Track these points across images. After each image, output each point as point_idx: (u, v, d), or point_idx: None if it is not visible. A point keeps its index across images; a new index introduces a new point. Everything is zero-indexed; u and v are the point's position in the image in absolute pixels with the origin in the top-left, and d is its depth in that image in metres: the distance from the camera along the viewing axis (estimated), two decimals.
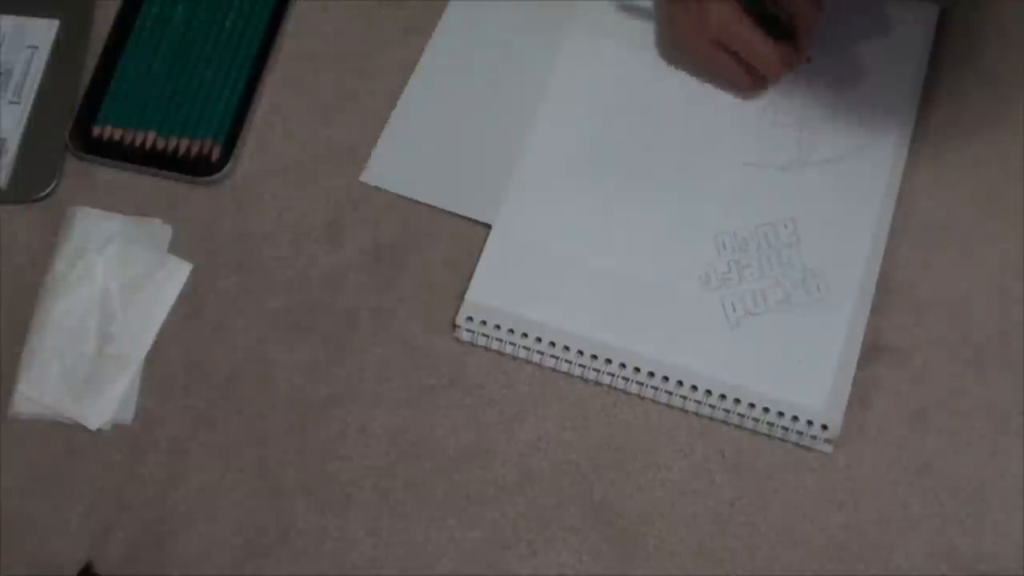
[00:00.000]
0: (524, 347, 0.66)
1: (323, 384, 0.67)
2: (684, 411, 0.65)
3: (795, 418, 0.64)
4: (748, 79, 0.70)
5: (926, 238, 0.68)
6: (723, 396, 0.65)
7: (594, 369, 0.66)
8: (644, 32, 0.73)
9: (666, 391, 0.65)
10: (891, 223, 0.68)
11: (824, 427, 0.64)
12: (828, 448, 0.64)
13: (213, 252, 0.71)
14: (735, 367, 0.65)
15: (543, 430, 0.66)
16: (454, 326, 0.68)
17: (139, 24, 0.76)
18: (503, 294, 0.67)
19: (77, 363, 0.68)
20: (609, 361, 0.66)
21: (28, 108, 0.74)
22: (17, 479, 0.66)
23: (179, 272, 0.70)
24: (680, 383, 0.65)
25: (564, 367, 0.66)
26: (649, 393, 0.65)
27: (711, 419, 0.65)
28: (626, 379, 0.65)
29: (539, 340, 0.66)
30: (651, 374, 0.65)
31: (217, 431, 0.67)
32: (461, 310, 0.68)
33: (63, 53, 0.75)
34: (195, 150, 0.73)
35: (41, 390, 0.67)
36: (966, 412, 0.65)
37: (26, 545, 0.65)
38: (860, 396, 0.65)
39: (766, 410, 0.64)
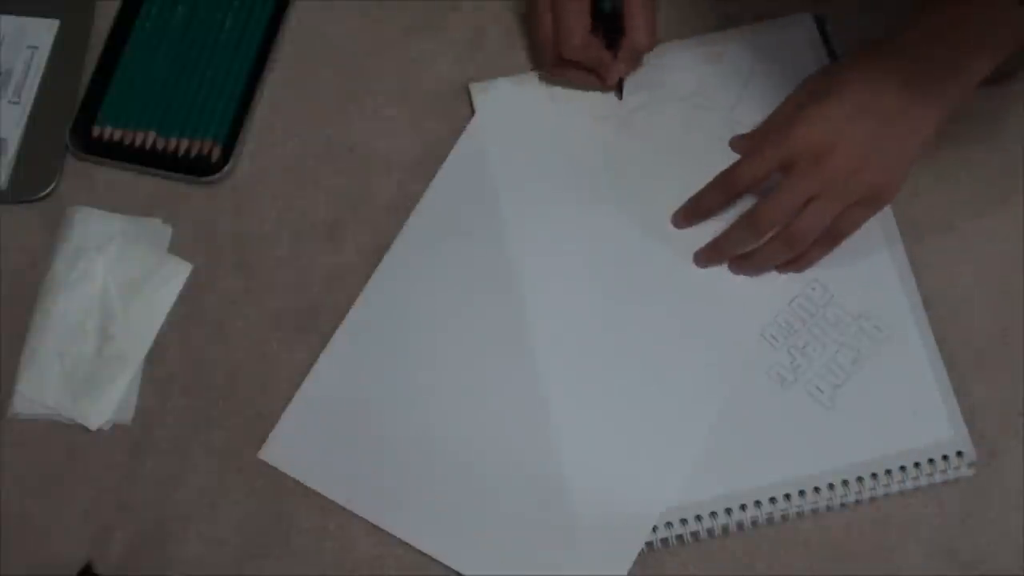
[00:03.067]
0: None
1: None
2: (829, 510, 0.63)
3: (931, 461, 0.63)
4: (549, 53, 0.69)
5: (926, 238, 0.68)
6: (860, 479, 0.62)
7: (723, 524, 0.62)
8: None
9: (809, 504, 0.62)
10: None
11: (960, 454, 0.63)
12: (971, 472, 0.63)
13: (213, 252, 0.71)
14: (853, 444, 0.63)
15: None
16: None
17: (139, 24, 0.76)
18: None
19: (77, 363, 0.67)
20: (744, 507, 0.62)
21: (28, 108, 0.74)
22: (17, 479, 0.66)
23: (179, 272, 0.70)
24: (817, 490, 0.62)
25: (675, 539, 0.62)
26: (793, 511, 0.62)
27: (857, 503, 0.63)
28: (754, 517, 0.62)
29: None
30: (787, 496, 0.62)
31: (217, 431, 0.67)
32: None
33: (63, 53, 0.75)
34: (195, 150, 0.73)
35: (41, 390, 0.67)
36: (966, 412, 0.65)
37: (26, 545, 0.65)
38: None
39: (903, 468, 0.62)
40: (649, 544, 0.62)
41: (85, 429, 0.66)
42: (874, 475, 0.63)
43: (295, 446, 0.65)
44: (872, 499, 0.63)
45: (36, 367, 0.67)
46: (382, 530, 0.64)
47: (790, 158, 0.63)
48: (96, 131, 0.73)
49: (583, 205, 0.69)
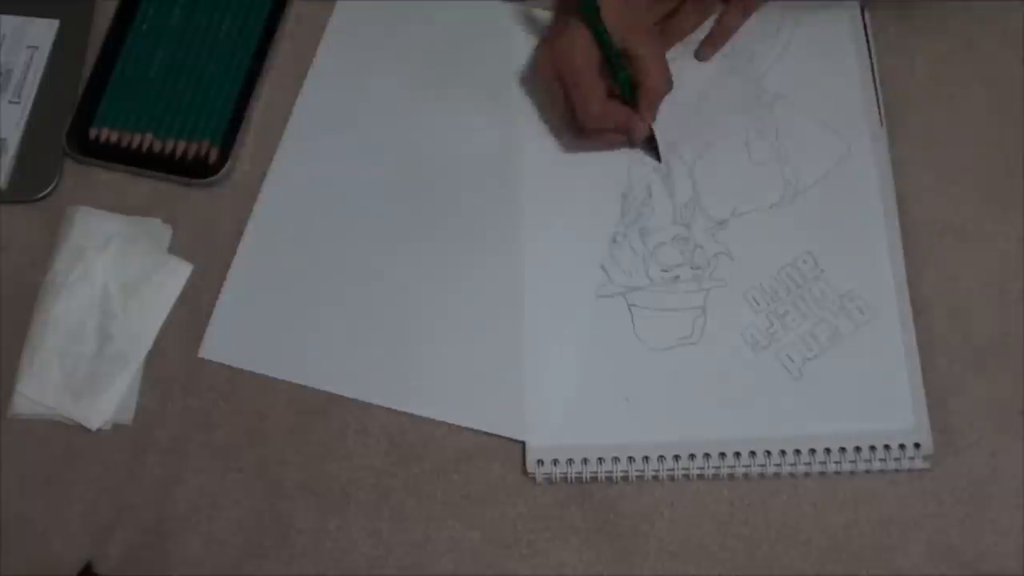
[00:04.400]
0: None
1: None
2: (777, 476, 0.63)
3: (887, 447, 0.63)
4: (573, 125, 0.69)
5: (926, 238, 0.68)
6: (812, 451, 0.63)
7: (669, 470, 0.64)
8: None
9: (757, 465, 0.63)
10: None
11: (917, 445, 0.63)
12: (926, 464, 0.63)
13: (213, 252, 0.71)
14: (813, 417, 0.64)
15: None
16: None
17: (135, 26, 0.76)
18: None
19: (77, 363, 0.68)
20: (692, 457, 0.63)
21: (28, 108, 0.74)
22: (17, 479, 0.66)
23: (179, 272, 0.70)
24: (768, 453, 0.63)
25: (635, 475, 0.64)
26: (740, 472, 0.63)
27: (807, 475, 0.63)
28: (716, 468, 0.63)
29: None
30: (737, 455, 0.63)
31: (217, 431, 0.67)
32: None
33: (63, 53, 0.75)
34: (192, 152, 0.73)
35: (41, 390, 0.67)
36: (966, 412, 0.65)
37: (26, 545, 0.65)
38: None
39: (858, 450, 0.63)
40: (608, 477, 0.64)
41: (85, 429, 0.67)
42: (827, 450, 0.63)
43: (233, 336, 0.68)
44: (822, 474, 0.63)
45: (36, 367, 0.67)
46: (382, 530, 0.64)
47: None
48: (93, 133, 0.73)
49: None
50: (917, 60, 0.73)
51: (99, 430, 0.67)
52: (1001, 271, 0.68)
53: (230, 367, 0.68)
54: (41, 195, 0.72)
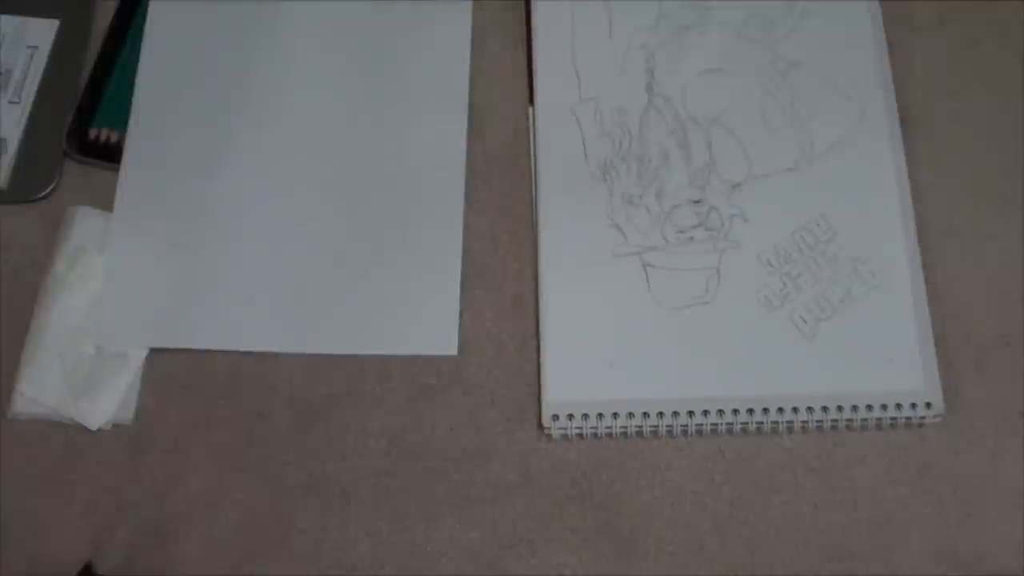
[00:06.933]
0: None
1: (323, 384, 0.67)
2: (788, 433, 0.65)
3: (899, 406, 0.64)
4: None
5: (926, 238, 0.68)
6: (825, 408, 0.64)
7: (683, 425, 0.65)
8: None
9: (770, 422, 0.64)
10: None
11: (928, 405, 0.64)
12: (937, 421, 0.64)
13: None
14: (826, 377, 0.65)
15: (543, 430, 0.66)
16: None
17: (136, 26, 0.76)
18: None
19: (77, 363, 0.68)
20: (706, 413, 0.65)
21: (28, 108, 0.74)
22: (17, 479, 0.66)
23: None
24: (780, 409, 0.64)
25: (650, 430, 0.65)
26: (752, 430, 0.65)
27: (820, 431, 0.64)
28: (729, 424, 0.65)
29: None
30: (750, 411, 0.64)
31: (217, 431, 0.67)
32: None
33: (63, 53, 0.75)
34: None
35: (41, 390, 0.67)
36: (966, 412, 0.65)
37: (26, 545, 0.65)
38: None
39: (869, 408, 0.64)
40: (623, 432, 0.65)
41: (85, 429, 0.66)
42: (839, 407, 0.64)
43: (128, 318, 0.68)
44: (833, 428, 0.64)
45: (36, 367, 0.67)
46: (382, 530, 0.64)
47: None
48: (93, 133, 0.73)
49: None
50: (917, 60, 0.73)
51: (99, 430, 0.67)
52: (1001, 272, 0.68)
53: (230, 367, 0.68)
54: (41, 195, 0.72)
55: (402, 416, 0.66)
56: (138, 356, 0.68)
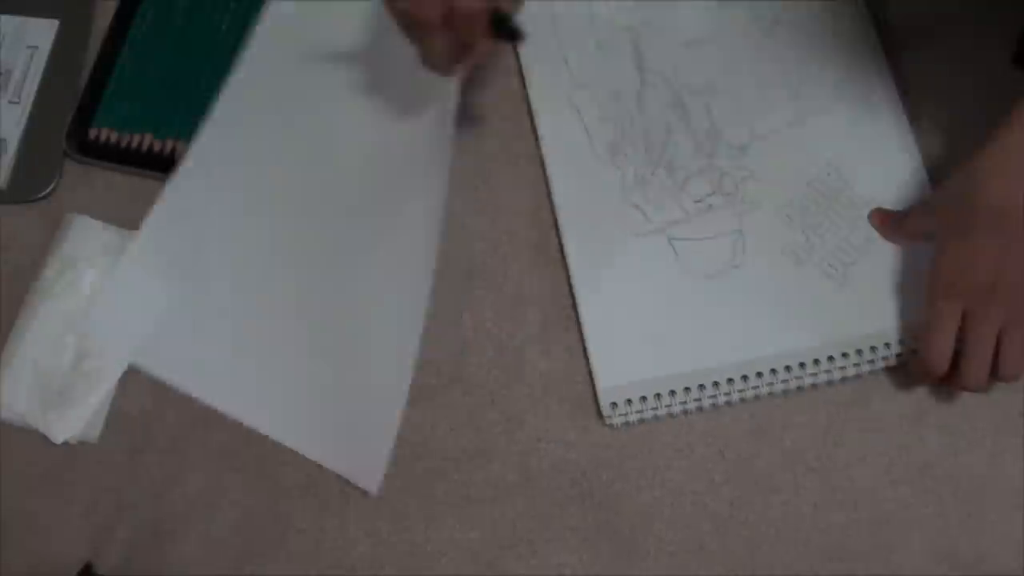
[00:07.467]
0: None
1: None
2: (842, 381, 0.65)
3: None
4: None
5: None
6: (873, 348, 0.65)
7: (740, 390, 0.65)
8: None
9: (823, 372, 0.65)
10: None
11: None
12: None
13: None
14: (865, 320, 0.66)
15: (543, 430, 0.66)
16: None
17: (136, 26, 0.76)
18: None
19: (51, 374, 0.67)
20: (760, 374, 0.65)
21: (28, 108, 0.74)
22: (17, 479, 0.66)
23: None
24: (831, 358, 0.65)
25: (709, 402, 0.65)
26: (793, 385, 0.65)
27: (871, 372, 0.65)
28: (784, 381, 0.65)
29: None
30: (802, 365, 0.65)
31: (217, 431, 0.67)
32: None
33: (63, 53, 0.75)
34: None
35: (15, 396, 0.66)
36: (966, 412, 0.65)
37: (26, 545, 0.65)
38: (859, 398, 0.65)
39: (902, 342, 0.65)
40: (684, 408, 0.65)
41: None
42: (887, 344, 0.65)
43: (121, 322, 0.68)
44: (885, 368, 0.65)
45: (11, 371, 0.67)
46: (382, 530, 0.64)
47: (964, 310, 0.61)
48: (93, 133, 0.73)
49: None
50: (916, 60, 0.73)
51: (99, 431, 0.67)
52: None
53: None
54: (41, 195, 0.72)
55: (402, 416, 0.66)
56: (112, 376, 0.67)
